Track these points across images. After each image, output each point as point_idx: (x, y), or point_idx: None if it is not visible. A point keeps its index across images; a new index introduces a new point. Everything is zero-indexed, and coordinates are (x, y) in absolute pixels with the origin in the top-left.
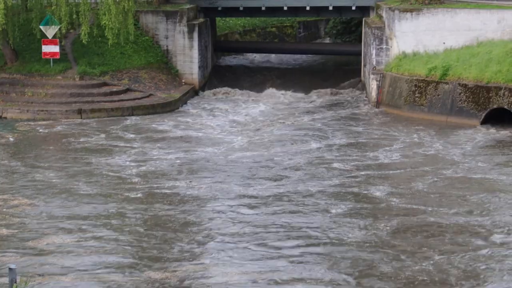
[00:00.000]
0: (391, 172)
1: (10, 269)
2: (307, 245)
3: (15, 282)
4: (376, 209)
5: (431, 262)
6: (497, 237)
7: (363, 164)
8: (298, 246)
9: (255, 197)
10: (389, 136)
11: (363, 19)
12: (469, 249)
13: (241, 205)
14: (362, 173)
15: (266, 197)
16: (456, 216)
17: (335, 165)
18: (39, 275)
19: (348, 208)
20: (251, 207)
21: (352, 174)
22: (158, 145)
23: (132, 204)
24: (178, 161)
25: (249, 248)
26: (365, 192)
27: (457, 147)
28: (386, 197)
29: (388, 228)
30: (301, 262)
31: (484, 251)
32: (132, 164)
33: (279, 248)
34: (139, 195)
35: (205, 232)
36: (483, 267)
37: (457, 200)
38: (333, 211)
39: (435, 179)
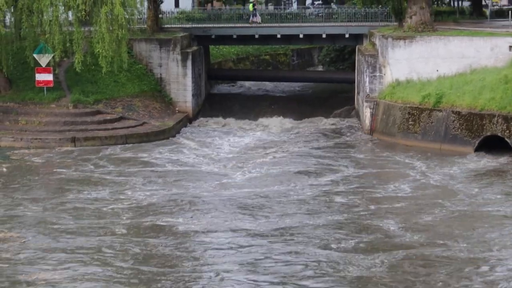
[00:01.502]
0: (391, 205)
1: None
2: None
3: None
4: (378, 243)
5: None
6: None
7: (359, 196)
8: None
9: (251, 232)
10: (385, 166)
11: (357, 46)
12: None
13: (238, 239)
14: (359, 208)
15: (262, 232)
16: (461, 250)
17: (328, 197)
18: None
19: (348, 242)
20: (249, 242)
21: (349, 207)
22: (150, 178)
23: (121, 238)
24: (171, 195)
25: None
26: (365, 225)
27: (454, 176)
28: (388, 231)
29: (389, 262)
30: None
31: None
32: (121, 197)
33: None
34: (127, 229)
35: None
36: None
37: (462, 233)
38: (334, 245)
39: (437, 211)
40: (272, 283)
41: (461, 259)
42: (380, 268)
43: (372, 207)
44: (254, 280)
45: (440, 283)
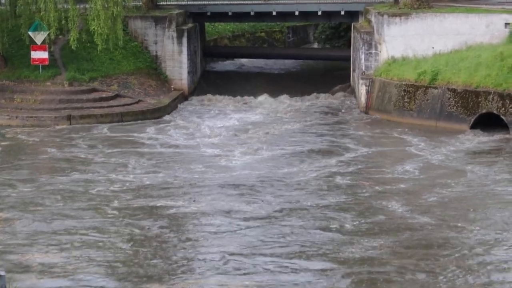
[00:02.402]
0: (392, 185)
1: None
2: (308, 259)
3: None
4: (382, 224)
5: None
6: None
7: (359, 177)
8: (299, 259)
9: (248, 214)
10: (383, 144)
11: (352, 24)
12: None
13: (236, 221)
14: (360, 189)
15: (261, 214)
16: (471, 231)
17: (326, 177)
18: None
19: (351, 224)
20: (247, 224)
21: (349, 188)
22: (144, 159)
23: (115, 220)
24: (165, 177)
25: (252, 262)
26: (368, 207)
27: (454, 154)
28: (392, 212)
29: (393, 243)
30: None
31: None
32: (114, 178)
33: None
34: (120, 211)
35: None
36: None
37: (471, 214)
38: (335, 227)
39: (441, 191)
40: (271, 264)
41: (472, 240)
42: (384, 250)
43: (374, 187)
44: (253, 262)
45: (449, 266)
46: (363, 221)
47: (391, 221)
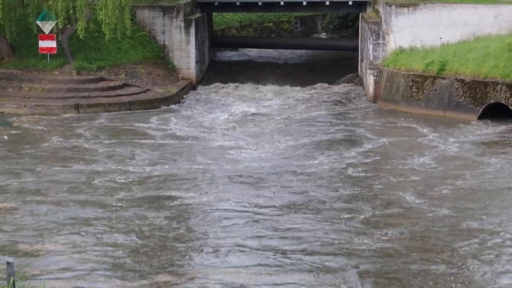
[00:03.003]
0: (404, 176)
1: (8, 263)
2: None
3: (13, 275)
4: (395, 215)
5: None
6: None
7: (370, 167)
8: (311, 251)
9: (259, 205)
10: (392, 134)
11: (360, 14)
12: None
13: (247, 213)
14: (372, 179)
15: (272, 205)
16: (487, 223)
17: (336, 168)
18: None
19: (367, 213)
20: (257, 215)
21: (360, 179)
22: (152, 149)
23: (122, 210)
24: (174, 168)
25: (262, 253)
26: (380, 198)
27: (465, 144)
28: (405, 203)
29: (407, 235)
30: (310, 267)
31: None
32: (121, 168)
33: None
34: (127, 201)
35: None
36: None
37: (486, 205)
38: (348, 218)
39: (455, 182)
40: (282, 255)
41: (489, 231)
42: (397, 241)
43: (386, 178)
44: (263, 253)
45: (468, 257)
46: (377, 212)
47: (407, 212)
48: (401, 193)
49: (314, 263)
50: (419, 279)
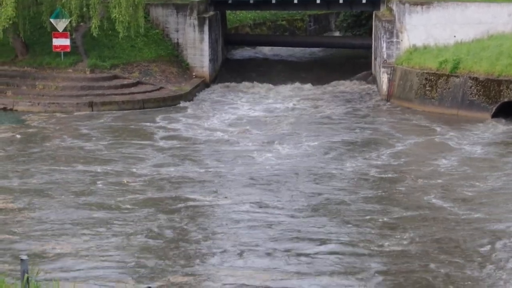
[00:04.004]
0: (424, 176)
1: (22, 260)
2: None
3: (27, 272)
4: (416, 217)
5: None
6: None
7: (389, 168)
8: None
9: (275, 206)
10: (408, 132)
11: (374, 12)
12: None
13: (264, 214)
14: (391, 181)
15: (289, 206)
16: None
17: (356, 167)
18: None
19: (389, 214)
20: (274, 216)
21: (379, 180)
22: (166, 150)
23: (134, 212)
24: (187, 169)
25: (280, 254)
26: (402, 197)
27: (480, 143)
28: (428, 204)
29: (427, 237)
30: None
31: None
32: (133, 169)
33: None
34: (139, 203)
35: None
36: None
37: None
38: (367, 220)
39: (474, 182)
40: (300, 257)
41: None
42: (420, 243)
43: (405, 179)
44: (281, 255)
45: (486, 259)
46: (399, 214)
47: (430, 214)
48: (422, 195)
49: (334, 264)
50: (441, 282)
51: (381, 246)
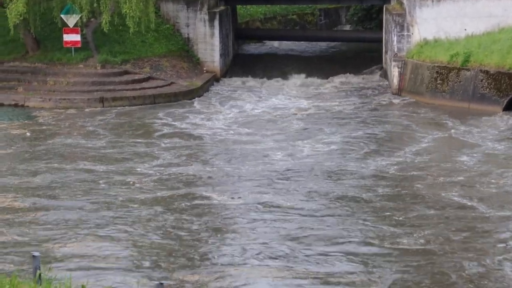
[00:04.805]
0: (442, 173)
1: (34, 256)
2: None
3: (39, 269)
4: (431, 215)
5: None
6: None
7: (404, 163)
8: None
9: (287, 206)
10: (421, 127)
11: (384, 6)
12: None
13: (285, 211)
14: (409, 173)
15: (302, 205)
16: None
17: (372, 163)
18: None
19: (409, 212)
20: (286, 216)
21: (397, 175)
22: (177, 147)
23: (145, 211)
24: (199, 167)
25: (294, 252)
26: (422, 195)
27: (495, 137)
28: (446, 202)
29: (444, 235)
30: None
31: None
32: (143, 167)
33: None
34: (150, 202)
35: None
36: None
37: None
38: (383, 217)
39: (493, 179)
40: (316, 255)
41: None
42: (439, 241)
43: (424, 175)
44: (294, 252)
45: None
46: (418, 211)
47: (449, 212)
48: (442, 192)
49: (351, 263)
50: (463, 280)
51: (400, 244)
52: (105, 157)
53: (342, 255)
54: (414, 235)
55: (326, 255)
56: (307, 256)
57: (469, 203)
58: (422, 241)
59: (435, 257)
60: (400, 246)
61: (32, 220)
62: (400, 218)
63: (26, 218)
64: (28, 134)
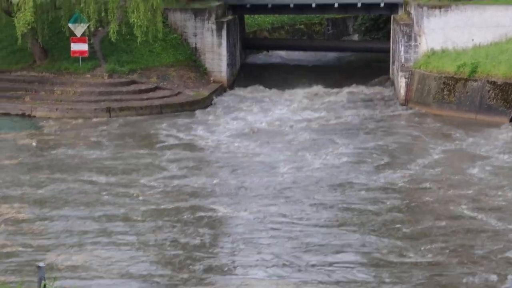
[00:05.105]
0: (456, 185)
1: (39, 267)
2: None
3: (44, 280)
4: (440, 228)
5: None
6: None
7: (413, 176)
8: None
9: (292, 218)
10: (429, 138)
11: (392, 16)
12: None
13: (290, 224)
14: (417, 185)
15: (309, 219)
16: None
17: (378, 174)
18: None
19: (417, 225)
20: (302, 227)
21: (406, 187)
22: (182, 159)
23: (147, 222)
24: (203, 178)
25: (299, 265)
26: (431, 208)
27: (500, 149)
28: (456, 215)
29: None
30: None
31: None
32: (146, 179)
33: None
34: (153, 214)
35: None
36: None
37: None
38: (389, 231)
39: (502, 192)
40: (322, 268)
41: None
42: (448, 255)
43: (433, 188)
44: (302, 267)
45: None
46: (427, 224)
47: (459, 225)
48: (451, 205)
49: (359, 275)
50: None
51: (408, 257)
52: (109, 168)
53: (349, 267)
54: (422, 248)
55: (334, 267)
56: (314, 268)
57: (478, 216)
58: (430, 254)
59: (443, 270)
60: (408, 260)
61: (36, 232)
62: (408, 230)
63: (30, 230)
64: (34, 144)
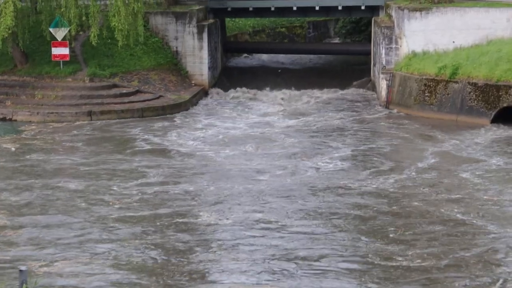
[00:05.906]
0: (442, 188)
1: (20, 270)
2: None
3: (25, 283)
4: (432, 232)
5: None
6: None
7: (396, 180)
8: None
9: (278, 224)
10: (411, 140)
11: (373, 18)
12: None
13: (277, 228)
14: (404, 190)
15: (293, 224)
16: None
17: (360, 178)
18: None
19: (405, 229)
20: (289, 230)
21: (394, 192)
22: (162, 165)
23: (130, 228)
24: (187, 185)
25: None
26: (418, 211)
27: (486, 149)
28: (448, 219)
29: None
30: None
31: None
32: (129, 185)
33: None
34: (136, 221)
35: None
36: None
37: None
38: (381, 236)
39: (491, 195)
40: (316, 273)
41: None
42: (440, 259)
43: (419, 192)
44: (296, 272)
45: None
46: (418, 229)
47: (449, 229)
48: (439, 208)
49: (348, 280)
50: None
51: (399, 261)
52: (87, 174)
53: (338, 273)
54: (411, 252)
55: (322, 273)
56: (302, 274)
57: (466, 219)
58: (419, 259)
59: (434, 274)
60: (399, 263)
61: (12, 239)
62: (396, 235)
63: (5, 237)
64: (13, 149)
